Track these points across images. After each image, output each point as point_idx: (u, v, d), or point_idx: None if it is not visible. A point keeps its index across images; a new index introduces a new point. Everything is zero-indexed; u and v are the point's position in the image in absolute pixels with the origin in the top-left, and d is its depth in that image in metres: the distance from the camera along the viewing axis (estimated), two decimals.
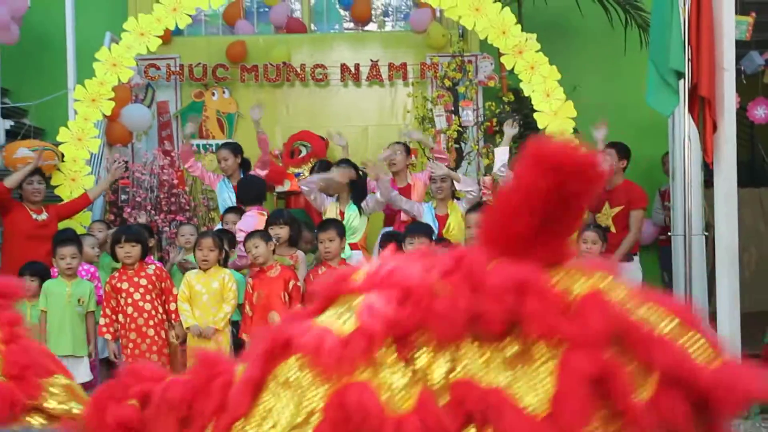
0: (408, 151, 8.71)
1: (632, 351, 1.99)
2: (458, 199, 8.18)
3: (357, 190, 8.23)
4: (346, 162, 8.42)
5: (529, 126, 9.52)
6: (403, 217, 8.34)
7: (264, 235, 7.27)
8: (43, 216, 8.16)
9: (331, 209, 8.13)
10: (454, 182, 8.11)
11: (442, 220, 7.93)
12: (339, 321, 2.13)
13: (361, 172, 8.41)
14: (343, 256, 7.87)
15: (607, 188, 8.01)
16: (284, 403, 2.12)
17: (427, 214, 8.09)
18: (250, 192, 8.16)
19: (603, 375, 1.96)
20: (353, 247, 7.96)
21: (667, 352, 1.99)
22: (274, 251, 7.24)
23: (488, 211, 2.20)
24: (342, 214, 8.09)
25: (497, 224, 2.13)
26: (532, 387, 1.97)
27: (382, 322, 2.06)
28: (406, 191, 8.40)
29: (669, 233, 9.60)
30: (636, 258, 7.99)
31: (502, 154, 8.18)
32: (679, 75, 7.54)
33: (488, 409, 1.96)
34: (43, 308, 7.06)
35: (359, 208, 8.10)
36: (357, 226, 8.07)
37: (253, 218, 7.88)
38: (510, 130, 8.29)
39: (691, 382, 1.97)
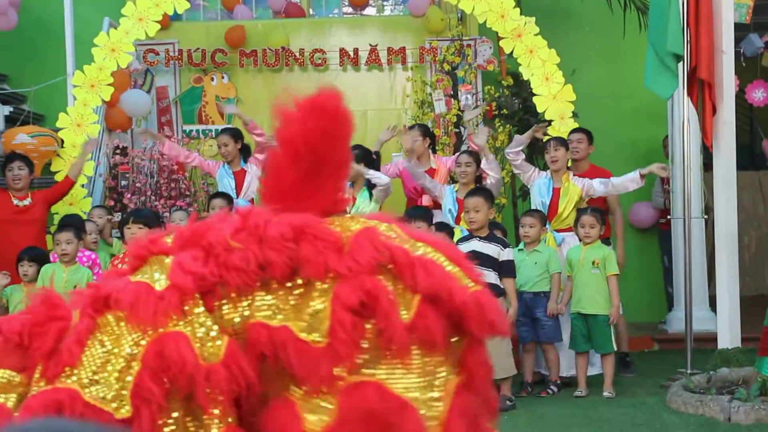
0: (427, 133, 8.66)
1: (399, 276, 2.23)
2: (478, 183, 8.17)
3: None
4: (357, 148, 8.40)
5: (528, 110, 9.53)
6: (425, 201, 8.35)
7: None
8: (26, 201, 8.16)
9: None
10: (482, 158, 8.08)
11: (462, 203, 7.91)
12: (154, 278, 2.31)
13: (374, 155, 8.45)
14: None
15: (574, 173, 8.01)
16: (106, 351, 2.27)
17: (448, 197, 8.09)
18: None
19: (367, 300, 2.19)
20: None
21: (429, 274, 2.22)
22: None
23: (266, 171, 2.46)
24: (354, 199, 8.09)
25: (272, 180, 2.38)
26: (314, 321, 2.20)
27: (191, 279, 2.25)
28: (429, 175, 8.39)
29: (668, 217, 9.61)
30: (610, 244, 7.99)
31: (519, 142, 8.13)
32: (678, 58, 7.54)
33: (277, 345, 2.20)
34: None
35: (371, 194, 8.11)
36: (367, 212, 8.04)
37: None
38: (536, 133, 8.27)
39: (449, 301, 2.21)
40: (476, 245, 7.18)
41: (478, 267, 7.07)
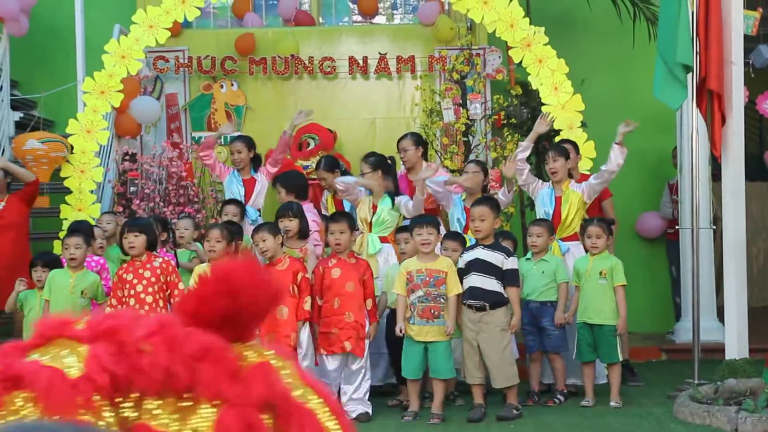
0: (419, 142, 8.68)
1: (278, 418, 2.23)
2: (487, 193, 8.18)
3: (389, 181, 8.31)
4: (373, 155, 8.43)
5: (536, 119, 9.53)
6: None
7: (272, 228, 7.30)
8: (1, 205, 8.21)
9: (364, 203, 8.16)
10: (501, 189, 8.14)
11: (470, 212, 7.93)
12: (64, 363, 2.30)
13: (389, 160, 8.47)
14: (371, 250, 7.91)
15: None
16: None
17: (456, 206, 8.11)
18: (300, 185, 8.38)
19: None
20: (383, 240, 8.01)
21: (304, 427, 2.22)
22: (282, 244, 7.27)
23: (190, 290, 2.56)
24: (375, 207, 8.12)
25: (192, 303, 2.37)
26: None
27: (108, 376, 2.21)
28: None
29: (676, 227, 9.60)
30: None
31: (525, 148, 8.13)
32: (688, 69, 7.54)
33: None
34: (47, 297, 7.11)
35: (392, 201, 8.13)
36: (388, 220, 8.07)
37: (311, 213, 8.15)
38: (540, 126, 8.22)
39: None
40: (480, 253, 7.19)
41: (481, 275, 7.12)
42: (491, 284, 7.09)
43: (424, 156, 8.78)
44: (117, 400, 2.36)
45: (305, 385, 2.33)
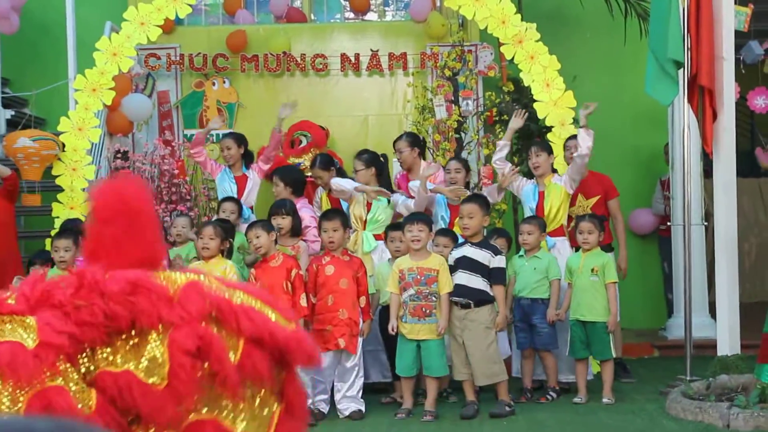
0: (415, 143, 8.68)
1: (224, 322, 2.48)
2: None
3: (382, 178, 8.32)
4: (366, 152, 8.43)
5: (529, 116, 9.53)
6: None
7: (265, 225, 7.31)
8: None
9: (358, 201, 8.17)
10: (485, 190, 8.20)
11: (455, 209, 7.94)
12: (21, 336, 2.41)
13: (381, 157, 8.48)
14: (366, 248, 7.92)
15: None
16: None
17: (440, 204, 8.13)
18: (298, 180, 8.39)
19: (201, 345, 2.43)
20: (377, 237, 8.02)
21: (251, 320, 2.49)
22: (276, 241, 7.27)
23: (86, 234, 2.70)
24: (369, 205, 8.13)
25: (93, 242, 2.64)
26: (151, 365, 2.41)
27: (66, 337, 2.41)
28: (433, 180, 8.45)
29: (668, 223, 9.62)
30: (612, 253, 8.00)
31: (503, 148, 8.18)
32: (678, 65, 7.55)
33: (122, 388, 2.39)
34: None
35: (387, 199, 8.14)
36: (383, 218, 8.08)
37: (308, 209, 8.21)
38: (514, 123, 8.26)
39: (271, 340, 2.49)
40: (468, 251, 7.20)
41: (468, 273, 7.13)
42: (477, 282, 7.10)
43: (423, 155, 8.79)
44: (77, 357, 2.42)
45: (231, 288, 2.59)
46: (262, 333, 2.48)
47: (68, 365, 2.41)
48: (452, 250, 7.35)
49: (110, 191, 2.65)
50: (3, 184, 8.50)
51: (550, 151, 8.09)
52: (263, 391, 2.52)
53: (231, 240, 7.40)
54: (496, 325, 7.15)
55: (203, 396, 2.44)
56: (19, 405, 2.33)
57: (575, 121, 8.77)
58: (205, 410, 2.45)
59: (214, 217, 8.22)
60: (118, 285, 2.46)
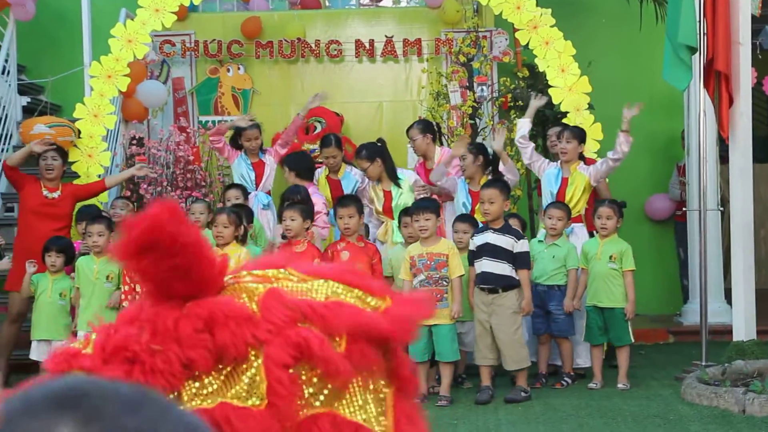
0: (427, 129, 8.64)
1: (317, 324, 2.31)
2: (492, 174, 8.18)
3: (387, 164, 8.32)
4: (363, 149, 8.42)
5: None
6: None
7: (304, 210, 7.30)
8: (56, 194, 8.20)
9: (376, 194, 8.21)
10: (500, 163, 8.12)
11: (475, 195, 7.93)
12: None
13: (378, 142, 8.49)
14: (397, 238, 7.93)
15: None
16: None
17: (461, 190, 8.12)
18: (305, 166, 8.39)
19: (299, 351, 2.26)
20: None
21: (338, 317, 2.31)
22: (308, 229, 7.30)
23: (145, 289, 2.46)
24: (388, 193, 8.16)
25: (158, 296, 2.39)
26: (248, 388, 2.28)
27: None
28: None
29: (684, 209, 9.59)
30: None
31: (524, 125, 8.18)
32: (693, 50, 7.52)
33: (220, 421, 2.24)
34: (77, 285, 7.24)
35: (397, 184, 8.21)
36: (407, 202, 8.09)
37: (318, 195, 8.20)
38: (536, 102, 8.28)
39: (371, 329, 2.31)
40: (490, 237, 7.19)
41: (491, 260, 7.11)
42: (502, 268, 7.10)
43: (436, 141, 8.74)
44: None
45: (311, 276, 2.43)
46: (360, 325, 2.34)
47: None
48: (473, 235, 7.33)
49: (144, 225, 2.38)
50: (87, 188, 8.53)
51: (581, 140, 8.05)
52: (374, 374, 2.40)
53: (246, 225, 7.41)
54: (522, 309, 7.14)
55: (312, 389, 2.31)
56: None
57: (590, 107, 8.75)
58: (317, 403, 2.33)
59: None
60: (191, 325, 2.31)
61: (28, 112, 9.97)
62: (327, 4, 11.51)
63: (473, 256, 7.21)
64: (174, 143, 9.34)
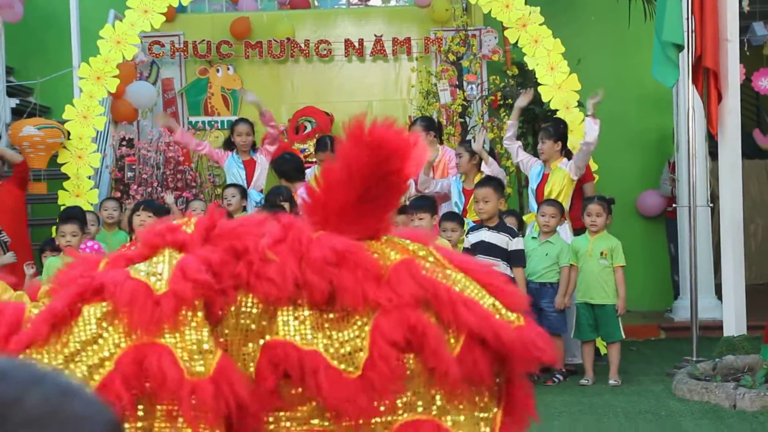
0: (430, 126, 8.65)
1: (441, 312, 2.19)
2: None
3: None
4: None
5: (533, 100, 9.52)
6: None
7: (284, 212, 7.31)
8: None
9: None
10: (482, 163, 8.13)
11: (468, 194, 7.98)
12: (155, 277, 2.19)
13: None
14: None
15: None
16: (83, 342, 2.18)
17: (454, 188, 8.14)
18: (291, 168, 8.37)
19: (412, 335, 2.15)
20: None
21: (473, 314, 2.19)
22: None
23: (313, 185, 2.35)
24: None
25: (320, 198, 2.28)
26: (347, 350, 2.14)
27: (191, 287, 2.15)
28: (435, 169, 8.51)
29: (674, 205, 9.61)
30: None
31: (510, 126, 8.25)
32: (679, 48, 7.54)
33: (306, 369, 2.12)
34: (45, 286, 7.13)
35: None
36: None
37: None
38: (521, 101, 8.31)
39: (495, 341, 2.19)
40: (485, 235, 7.20)
41: (486, 257, 7.09)
42: (497, 267, 7.10)
43: (439, 139, 8.76)
44: (229, 309, 2.17)
45: (451, 263, 2.31)
46: (484, 331, 2.20)
47: (197, 317, 2.15)
48: (468, 233, 7.35)
49: (363, 153, 2.25)
50: (13, 171, 8.53)
51: (556, 138, 8.07)
52: (484, 390, 2.27)
53: None
54: None
55: (411, 392, 2.17)
56: (118, 351, 2.13)
57: (580, 105, 8.77)
58: (420, 409, 2.18)
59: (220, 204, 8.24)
60: (322, 251, 2.18)
61: (17, 114, 9.94)
62: (316, 3, 11.51)
63: (468, 253, 7.22)
64: (164, 144, 9.33)
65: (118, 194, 9.06)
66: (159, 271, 2.21)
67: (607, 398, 6.88)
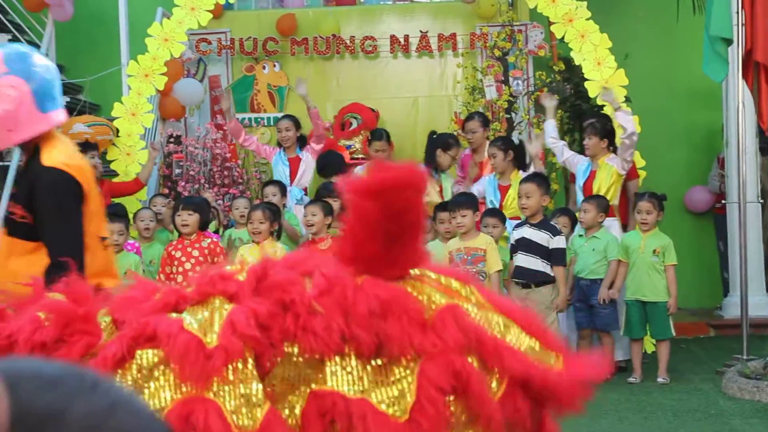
0: (486, 123, 8.70)
1: (486, 359, 2.23)
2: (523, 170, 8.18)
3: (429, 155, 8.36)
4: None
5: (580, 95, 9.47)
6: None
7: (325, 206, 7.34)
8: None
9: (431, 188, 8.27)
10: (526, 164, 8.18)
11: (504, 190, 7.97)
12: (207, 327, 2.23)
13: (433, 135, 8.63)
14: None
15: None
16: (136, 387, 2.21)
17: (489, 186, 8.13)
18: (334, 166, 8.41)
19: (457, 380, 2.19)
20: None
21: (517, 360, 2.23)
22: (330, 225, 7.31)
23: (342, 237, 2.40)
24: (441, 187, 8.25)
25: (350, 249, 2.32)
26: (395, 396, 2.18)
27: (242, 342, 2.19)
28: (484, 165, 8.50)
29: (723, 201, 9.49)
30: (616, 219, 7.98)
31: (549, 126, 8.23)
32: (728, 42, 7.44)
33: (354, 416, 2.15)
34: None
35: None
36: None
37: None
38: (549, 103, 8.30)
39: (541, 385, 2.22)
40: (527, 232, 7.18)
41: (527, 255, 7.06)
42: (536, 264, 7.09)
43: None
44: (276, 360, 2.21)
45: (494, 308, 2.33)
46: (531, 377, 2.23)
47: (248, 368, 2.19)
48: (514, 229, 7.34)
49: (375, 201, 2.29)
50: (125, 186, 8.67)
51: (602, 135, 8.00)
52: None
53: (279, 222, 7.45)
54: (556, 305, 7.12)
55: None
56: (167, 404, 2.18)
57: (627, 100, 8.69)
58: None
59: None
60: (368, 303, 2.21)
61: (67, 111, 10.04)
62: (361, 0, 11.52)
63: (512, 250, 7.23)
64: (211, 141, 9.40)
65: (166, 191, 9.15)
66: (210, 324, 2.26)
67: (656, 396, 6.82)
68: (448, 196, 8.10)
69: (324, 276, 2.29)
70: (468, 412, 2.20)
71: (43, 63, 3.67)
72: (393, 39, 10.44)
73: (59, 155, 3.59)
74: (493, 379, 2.24)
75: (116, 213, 7.54)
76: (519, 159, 8.18)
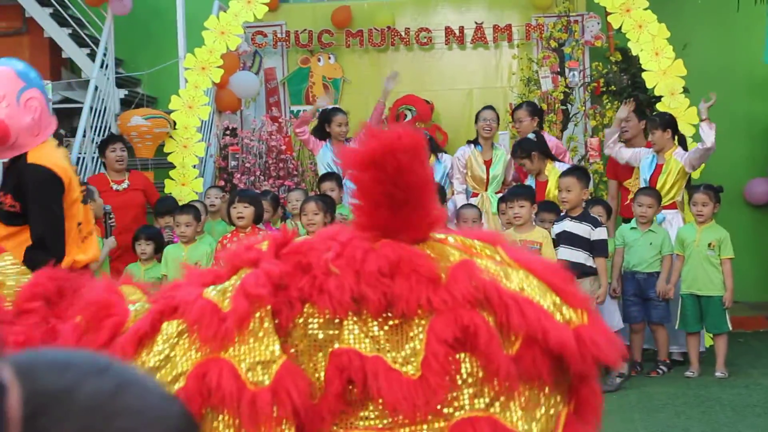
0: (535, 112, 8.63)
1: (499, 313, 2.21)
2: (560, 162, 8.15)
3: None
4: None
5: (637, 86, 9.36)
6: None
7: (325, 203, 7.32)
8: (124, 185, 8.28)
9: (474, 160, 8.52)
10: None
11: (540, 186, 7.98)
12: (224, 296, 2.32)
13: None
14: (494, 209, 8.16)
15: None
16: (163, 359, 2.32)
17: (529, 179, 8.13)
18: None
19: (465, 335, 2.18)
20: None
21: (523, 315, 2.20)
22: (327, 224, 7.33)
23: (353, 210, 2.42)
24: (488, 162, 8.34)
25: (363, 219, 2.35)
26: (409, 354, 2.21)
27: (250, 303, 2.26)
28: None
29: None
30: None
31: (611, 134, 8.21)
32: None
33: (368, 374, 2.19)
34: (164, 272, 7.37)
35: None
36: (499, 175, 8.45)
37: None
38: (622, 111, 8.27)
39: (544, 342, 2.19)
40: (568, 225, 7.14)
41: (569, 248, 7.03)
42: (578, 256, 7.04)
43: (540, 125, 8.71)
44: (298, 320, 2.28)
45: (517, 263, 2.33)
46: (534, 331, 2.20)
47: (265, 325, 2.27)
48: (554, 223, 7.30)
49: (379, 170, 2.30)
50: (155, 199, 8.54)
51: (665, 127, 7.92)
52: (546, 388, 2.26)
53: (333, 214, 7.47)
54: (597, 297, 7.07)
55: (471, 390, 2.21)
56: (189, 368, 2.27)
57: (686, 90, 8.58)
58: (478, 406, 2.21)
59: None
60: (376, 264, 2.25)
61: (126, 104, 10.20)
62: None
63: (555, 243, 7.20)
64: (266, 133, 9.47)
65: (222, 183, 9.23)
66: (228, 290, 2.35)
67: (714, 391, 6.74)
68: (499, 173, 8.28)
69: (338, 241, 2.34)
70: (483, 370, 2.21)
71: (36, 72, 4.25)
72: (448, 30, 10.41)
73: (41, 153, 4.14)
74: (511, 334, 2.23)
75: (186, 205, 7.66)
76: (546, 157, 8.15)
